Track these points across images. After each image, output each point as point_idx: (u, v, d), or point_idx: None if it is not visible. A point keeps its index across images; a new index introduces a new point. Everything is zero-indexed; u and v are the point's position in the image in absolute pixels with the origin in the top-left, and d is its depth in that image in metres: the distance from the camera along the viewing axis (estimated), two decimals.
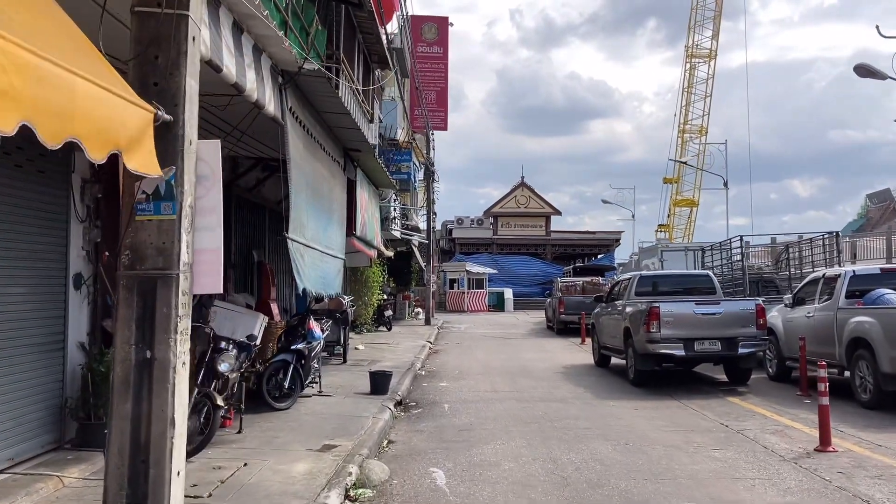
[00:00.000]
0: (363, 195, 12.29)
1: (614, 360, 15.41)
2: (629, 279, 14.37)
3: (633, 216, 53.58)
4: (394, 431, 9.06)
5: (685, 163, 38.65)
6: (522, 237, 52.12)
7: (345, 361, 14.73)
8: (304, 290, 8.29)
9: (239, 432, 7.99)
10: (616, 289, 15.23)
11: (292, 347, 9.66)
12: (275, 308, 11.76)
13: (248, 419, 8.60)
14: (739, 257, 15.50)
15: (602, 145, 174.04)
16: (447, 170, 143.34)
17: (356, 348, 17.79)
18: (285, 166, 7.07)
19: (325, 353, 15.07)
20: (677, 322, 12.17)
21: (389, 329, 24.09)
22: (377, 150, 22.27)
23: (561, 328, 25.00)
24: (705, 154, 56.63)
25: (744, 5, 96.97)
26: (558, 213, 52.90)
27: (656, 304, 12.23)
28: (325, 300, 14.47)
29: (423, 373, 14.78)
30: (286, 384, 9.47)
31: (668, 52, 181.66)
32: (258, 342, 8.08)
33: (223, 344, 7.15)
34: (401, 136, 24.86)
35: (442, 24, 35.04)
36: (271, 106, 6.51)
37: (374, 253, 14.54)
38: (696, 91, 58.84)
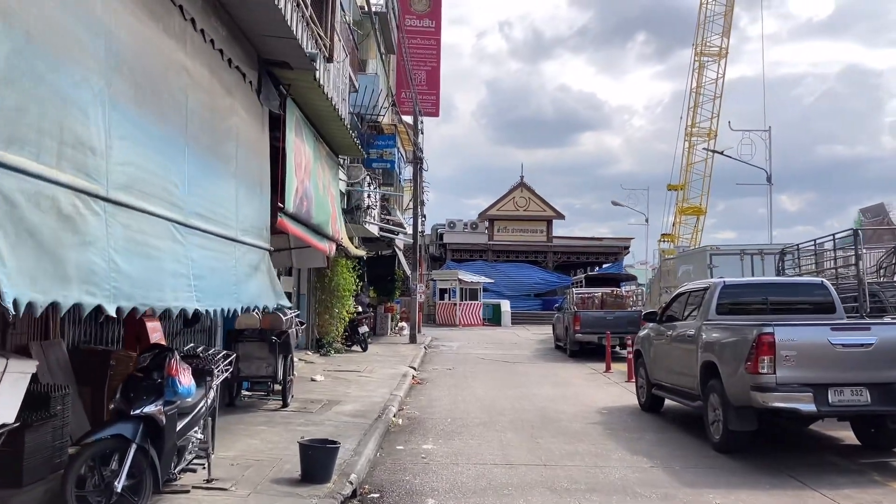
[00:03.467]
0: (303, 150, 7.73)
1: (669, 403, 10.94)
2: (704, 289, 9.84)
3: (647, 220, 49.26)
4: None
5: (722, 153, 34.18)
6: (521, 243, 47.26)
7: (285, 405, 10.10)
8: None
9: None
10: (679, 303, 10.68)
11: (135, 412, 5.04)
12: (152, 329, 7.12)
13: None
14: (853, 260, 10.97)
15: (592, 157, 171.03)
16: (437, 180, 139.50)
17: (313, 379, 13.18)
18: None
19: (262, 393, 10.56)
20: (804, 357, 7.64)
21: (364, 349, 19.42)
22: (355, 132, 17.74)
23: (575, 350, 20.40)
24: (726, 155, 53.37)
25: (760, 12, 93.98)
26: (561, 216, 48.09)
27: (769, 329, 7.68)
28: (258, 315, 9.92)
29: (401, 422, 10.17)
30: (119, 484, 4.86)
31: (658, 66, 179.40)
32: None
33: None
34: (383, 114, 20.26)
35: None
36: None
37: (327, 248, 9.96)
38: (704, 92, 55.79)
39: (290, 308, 10.19)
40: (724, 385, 8.25)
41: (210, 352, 6.41)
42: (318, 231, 9.05)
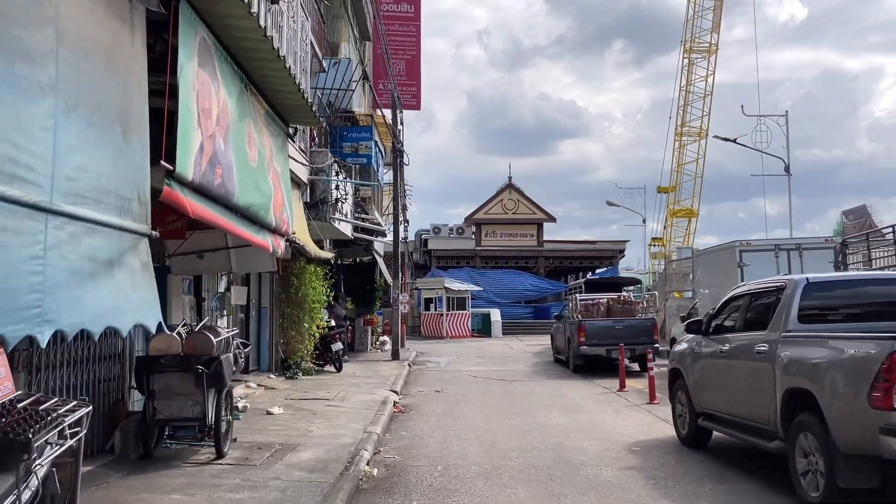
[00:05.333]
0: (216, 92, 5.27)
1: (717, 435, 8.60)
2: (775, 290, 7.42)
3: (644, 221, 47.19)
4: None
5: (734, 140, 31.79)
6: (510, 248, 44.65)
7: (220, 456, 7.57)
8: None
9: None
10: (733, 309, 8.28)
11: None
12: None
13: None
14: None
15: (573, 165, 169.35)
16: (419, 190, 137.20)
17: (269, 412, 10.66)
18: None
19: (189, 439, 8.05)
20: None
21: (339, 369, 16.86)
22: (323, 122, 15.31)
23: (580, 364, 17.96)
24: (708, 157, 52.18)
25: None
26: (552, 219, 45.58)
27: None
28: (179, 336, 7.41)
29: (376, 472, 7.67)
30: None
31: (637, 74, 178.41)
32: None
33: None
34: (354, 87, 17.74)
35: None
36: None
37: (269, 243, 7.48)
38: (694, 90, 54.28)
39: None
40: (827, 423, 5.85)
41: (47, 404, 3.90)
42: (248, 217, 6.56)
